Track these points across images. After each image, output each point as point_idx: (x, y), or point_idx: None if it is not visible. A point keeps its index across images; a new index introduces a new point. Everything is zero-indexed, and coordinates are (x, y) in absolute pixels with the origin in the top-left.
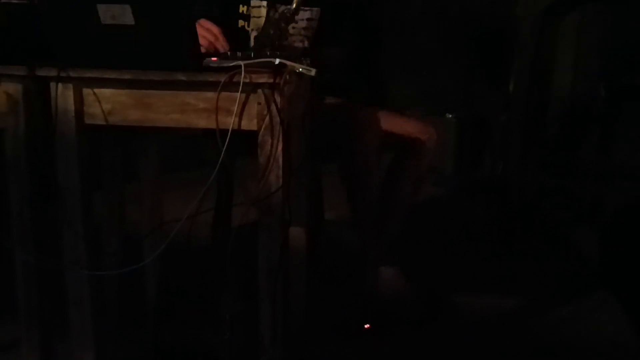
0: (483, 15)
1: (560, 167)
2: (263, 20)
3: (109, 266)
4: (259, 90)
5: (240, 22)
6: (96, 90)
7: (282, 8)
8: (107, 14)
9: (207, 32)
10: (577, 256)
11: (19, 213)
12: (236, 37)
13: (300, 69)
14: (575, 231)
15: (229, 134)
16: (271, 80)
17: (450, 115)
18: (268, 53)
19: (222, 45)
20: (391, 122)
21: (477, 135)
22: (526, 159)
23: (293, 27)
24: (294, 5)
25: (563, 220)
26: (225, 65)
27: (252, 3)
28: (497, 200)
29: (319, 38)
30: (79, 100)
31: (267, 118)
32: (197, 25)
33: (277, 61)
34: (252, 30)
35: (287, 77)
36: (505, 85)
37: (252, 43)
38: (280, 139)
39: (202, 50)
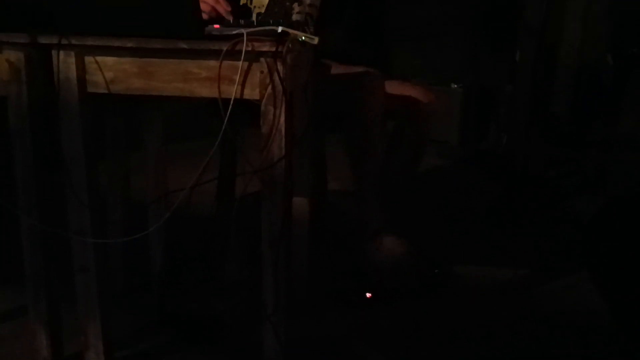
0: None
1: (567, 137)
2: None
3: (114, 234)
4: (262, 59)
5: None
6: (98, 58)
7: None
8: None
9: None
10: (580, 228)
11: (23, 181)
12: (238, 14)
13: (303, 37)
14: (580, 203)
15: (231, 103)
16: (274, 49)
17: (455, 86)
18: (271, 22)
19: (223, 8)
20: (392, 88)
21: (482, 105)
22: (531, 130)
23: (298, 4)
24: None
25: (568, 191)
26: (228, 33)
27: None
28: (502, 171)
29: (323, 20)
30: (81, 68)
31: (270, 87)
32: None
33: (280, 29)
34: (255, 7)
35: (290, 45)
36: (512, 55)
37: (254, 18)
38: (283, 108)
39: (204, 16)
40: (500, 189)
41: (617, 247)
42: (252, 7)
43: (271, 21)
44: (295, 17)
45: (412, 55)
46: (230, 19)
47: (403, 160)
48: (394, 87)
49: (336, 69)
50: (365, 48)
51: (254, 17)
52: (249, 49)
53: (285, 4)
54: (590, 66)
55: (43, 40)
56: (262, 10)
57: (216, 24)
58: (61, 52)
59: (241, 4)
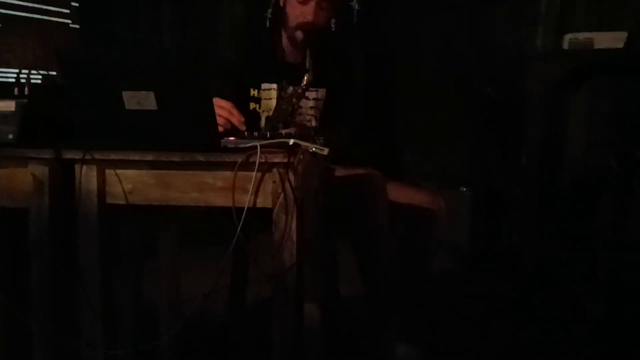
0: (494, 87)
1: (575, 238)
2: (273, 102)
3: (124, 342)
4: (274, 169)
5: (252, 105)
6: (118, 171)
7: (291, 88)
8: (132, 100)
9: (220, 109)
10: (593, 328)
11: (39, 292)
12: (248, 119)
13: (314, 149)
14: (591, 303)
15: (244, 212)
16: (285, 160)
17: (464, 189)
18: (283, 133)
19: (237, 119)
20: (401, 192)
21: (492, 208)
22: (541, 231)
23: (303, 106)
24: (304, 82)
25: (580, 292)
26: (242, 146)
27: (263, 86)
28: (514, 273)
29: (327, 115)
30: (102, 181)
31: (282, 196)
32: None
33: (292, 141)
34: (263, 111)
35: (301, 156)
36: (519, 157)
37: (262, 124)
38: (295, 216)
39: (219, 128)
40: (513, 290)
41: None
42: (260, 111)
43: (283, 132)
44: (299, 118)
45: (421, 159)
46: (244, 129)
47: (414, 265)
48: (403, 192)
49: (339, 172)
50: (370, 148)
51: (262, 121)
52: (262, 160)
53: (292, 101)
54: (595, 168)
55: (67, 155)
56: (270, 114)
57: (231, 135)
58: (84, 166)
59: (251, 109)
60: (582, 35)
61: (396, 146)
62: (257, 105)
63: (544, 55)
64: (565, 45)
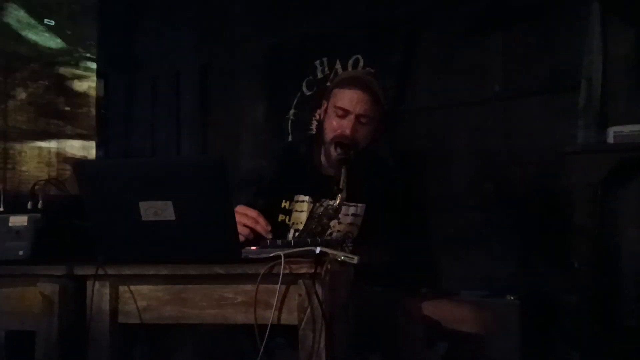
0: (538, 185)
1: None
2: (304, 215)
3: None
4: (300, 281)
5: (281, 217)
6: (132, 287)
7: (326, 203)
8: (149, 210)
9: (246, 218)
10: None
11: None
12: (274, 231)
13: (342, 257)
14: None
15: (267, 330)
16: (312, 271)
17: (511, 297)
18: (309, 241)
19: (263, 227)
20: (440, 310)
21: (543, 318)
22: (600, 345)
23: (339, 223)
24: (337, 202)
25: None
26: (265, 256)
27: (296, 198)
28: None
29: (363, 238)
30: (115, 298)
31: (308, 311)
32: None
33: (318, 250)
34: (293, 224)
35: (329, 266)
36: (569, 260)
37: (291, 236)
38: (323, 333)
39: (241, 238)
40: None
41: None
42: (290, 223)
43: (309, 240)
44: (335, 235)
45: (460, 266)
46: (270, 237)
47: None
48: (443, 307)
49: (378, 290)
50: (406, 264)
51: (291, 235)
52: (287, 271)
53: (322, 221)
54: None
55: (79, 271)
56: (300, 227)
57: (253, 244)
58: (96, 283)
59: (279, 220)
60: (627, 128)
61: (432, 253)
62: (287, 218)
63: (588, 150)
64: (610, 139)
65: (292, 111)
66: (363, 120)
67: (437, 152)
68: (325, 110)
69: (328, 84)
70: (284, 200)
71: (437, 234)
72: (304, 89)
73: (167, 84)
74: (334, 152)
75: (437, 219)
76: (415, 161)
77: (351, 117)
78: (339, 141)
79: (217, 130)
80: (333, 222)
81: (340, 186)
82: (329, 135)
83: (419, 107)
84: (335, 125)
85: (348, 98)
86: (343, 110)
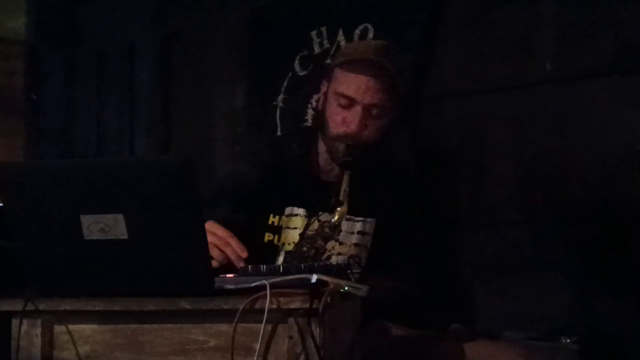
0: (602, 194)
1: None
2: (297, 233)
3: None
4: (291, 319)
5: (268, 236)
6: (72, 326)
7: (323, 217)
8: (94, 226)
9: (213, 238)
10: None
11: None
12: (259, 254)
13: (347, 288)
14: None
15: None
16: (307, 305)
17: (567, 340)
18: (303, 266)
19: (234, 253)
20: (480, 351)
21: None
22: None
23: (339, 244)
24: (336, 218)
25: None
26: (245, 286)
27: (288, 211)
28: None
29: (376, 256)
30: (49, 342)
31: (302, 358)
32: None
33: (315, 278)
34: (284, 244)
35: (329, 299)
36: (636, 294)
37: (279, 262)
38: None
39: (214, 263)
40: None
41: None
42: (279, 244)
43: (302, 266)
44: (335, 259)
45: (501, 298)
46: (240, 265)
47: None
48: (482, 351)
49: (396, 330)
50: (431, 296)
51: (280, 260)
52: (274, 306)
53: (316, 243)
54: None
55: (2, 306)
56: (292, 249)
57: (229, 271)
58: (25, 321)
59: (266, 240)
60: None
61: (464, 282)
62: (276, 237)
63: None
64: None
65: (281, 97)
66: (374, 111)
67: (469, 151)
68: (326, 95)
69: (328, 61)
70: (272, 215)
71: (470, 257)
72: (297, 67)
73: (117, 62)
74: (341, 148)
75: (470, 238)
76: (441, 163)
77: (358, 108)
78: (343, 136)
79: (183, 123)
80: (331, 244)
81: (341, 197)
82: (332, 130)
83: (445, 92)
84: (338, 118)
85: (354, 84)
86: (347, 99)
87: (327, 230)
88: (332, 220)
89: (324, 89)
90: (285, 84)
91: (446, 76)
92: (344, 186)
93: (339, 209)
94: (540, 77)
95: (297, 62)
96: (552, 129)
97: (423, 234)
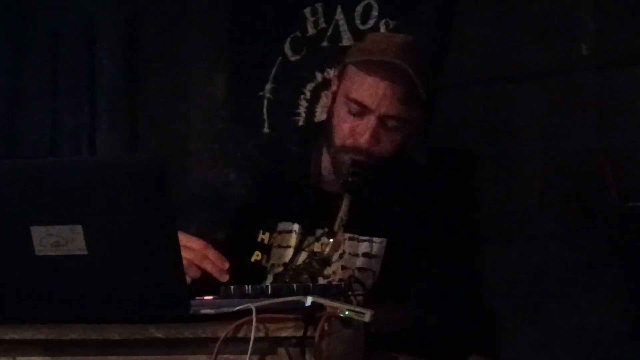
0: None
1: None
2: (291, 252)
3: None
4: (281, 350)
5: (256, 255)
6: (20, 359)
7: (321, 237)
8: (47, 239)
9: (190, 253)
10: None
11: None
12: (243, 276)
13: (347, 312)
14: None
15: None
16: (300, 333)
17: None
18: (295, 287)
19: (213, 265)
20: None
21: None
22: None
23: (342, 268)
24: (327, 250)
25: None
26: (227, 310)
27: (280, 227)
28: None
29: (386, 282)
30: None
31: None
32: None
33: (310, 301)
34: (273, 266)
35: (326, 326)
36: None
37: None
38: None
39: (187, 279)
40: None
41: None
42: (267, 265)
43: (295, 286)
44: (335, 277)
45: (534, 323)
46: (226, 279)
47: None
48: None
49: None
50: (449, 323)
51: (269, 280)
52: (261, 334)
53: (301, 277)
54: None
55: None
56: (281, 270)
57: (207, 292)
58: None
59: (252, 260)
60: None
61: (488, 304)
62: (265, 257)
63: None
64: None
65: (268, 86)
66: (390, 123)
67: (495, 150)
68: (335, 96)
69: (324, 43)
70: (261, 231)
71: (494, 275)
72: (288, 51)
73: (74, 44)
74: (344, 163)
75: (495, 252)
76: (460, 163)
77: (371, 118)
78: (351, 149)
79: (153, 117)
80: (331, 269)
81: (335, 227)
82: (338, 139)
83: (467, 80)
84: (347, 128)
85: (369, 89)
86: (360, 106)
87: (315, 264)
88: (324, 251)
89: (334, 87)
90: (273, 71)
91: (467, 61)
92: (341, 214)
93: (330, 241)
94: (577, 62)
95: (287, 45)
96: (591, 122)
97: (443, 256)
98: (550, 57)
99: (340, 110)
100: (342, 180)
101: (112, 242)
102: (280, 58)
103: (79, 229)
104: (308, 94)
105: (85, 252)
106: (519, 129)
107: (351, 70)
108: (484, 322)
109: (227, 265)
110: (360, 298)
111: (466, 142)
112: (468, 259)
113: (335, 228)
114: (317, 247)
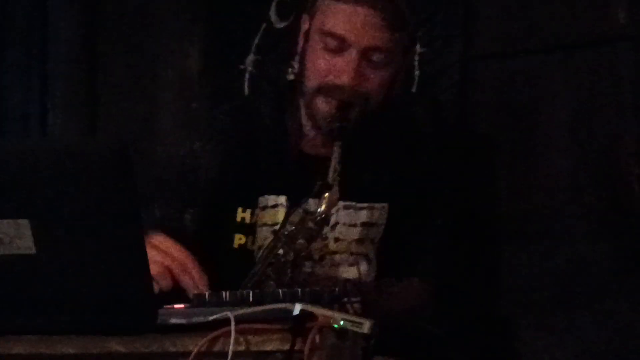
0: None
1: None
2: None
3: None
4: None
5: (238, 239)
6: None
7: (312, 205)
8: None
9: (168, 259)
10: None
11: None
12: (228, 267)
13: (342, 322)
14: None
15: None
16: (287, 347)
17: None
18: (281, 293)
19: (192, 284)
20: None
21: None
22: None
23: (335, 240)
24: (323, 207)
25: None
26: (200, 320)
27: (263, 201)
28: None
29: (390, 252)
30: None
31: None
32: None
33: (298, 309)
34: (260, 248)
35: (318, 338)
36: None
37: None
38: None
39: (155, 286)
40: None
41: None
42: (254, 248)
43: (280, 292)
44: (335, 260)
45: (553, 335)
46: (203, 286)
47: None
48: None
49: None
50: (463, 328)
51: (258, 267)
52: (241, 347)
53: (295, 242)
54: None
55: None
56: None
57: (177, 300)
58: None
59: (236, 245)
60: None
61: (506, 313)
62: (250, 240)
63: None
64: None
65: (251, 57)
66: (375, 57)
67: (514, 135)
68: (307, 35)
69: None
70: (241, 209)
71: (512, 279)
72: (273, 17)
73: (22, 9)
74: (324, 107)
75: (514, 254)
76: (477, 148)
77: (352, 52)
78: (329, 89)
79: (115, 95)
80: (319, 243)
81: (329, 179)
82: (312, 81)
83: (482, 53)
84: (323, 66)
85: (346, 18)
86: (337, 40)
87: (311, 224)
88: (319, 210)
89: (304, 26)
90: (256, 40)
91: (483, 31)
92: (334, 163)
93: (326, 195)
94: (612, 32)
95: (273, 9)
96: (627, 103)
97: (454, 230)
98: (579, 27)
99: (315, 47)
100: (327, 128)
101: (65, 239)
102: (264, 25)
103: (26, 224)
104: (297, 67)
105: (33, 251)
106: (543, 111)
107: (323, 2)
108: (500, 333)
109: (205, 284)
110: (358, 304)
111: (483, 123)
112: (482, 246)
113: (330, 180)
114: (311, 205)
